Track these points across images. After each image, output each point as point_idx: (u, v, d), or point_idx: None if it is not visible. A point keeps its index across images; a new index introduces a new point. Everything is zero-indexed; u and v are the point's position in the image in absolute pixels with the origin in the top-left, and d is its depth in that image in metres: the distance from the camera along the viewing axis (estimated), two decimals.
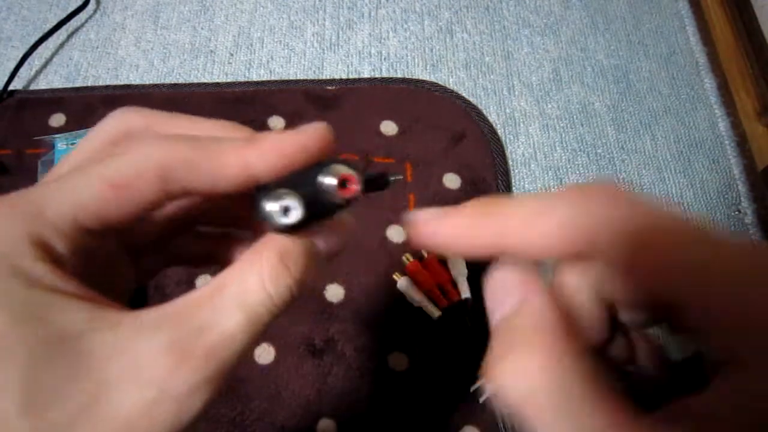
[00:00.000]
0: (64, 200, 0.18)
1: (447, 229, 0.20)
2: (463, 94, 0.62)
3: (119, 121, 0.21)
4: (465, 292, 0.49)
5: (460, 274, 0.49)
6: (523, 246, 0.19)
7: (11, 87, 0.60)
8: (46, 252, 0.17)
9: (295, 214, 0.19)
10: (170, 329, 0.17)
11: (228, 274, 0.18)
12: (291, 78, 0.63)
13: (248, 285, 0.18)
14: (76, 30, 0.66)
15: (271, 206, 0.19)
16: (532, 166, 0.58)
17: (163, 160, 0.18)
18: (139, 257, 0.23)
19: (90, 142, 0.21)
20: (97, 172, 0.18)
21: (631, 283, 0.18)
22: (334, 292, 0.50)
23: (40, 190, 0.18)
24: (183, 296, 0.18)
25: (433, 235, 0.20)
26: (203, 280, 0.50)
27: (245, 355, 0.18)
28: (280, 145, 0.19)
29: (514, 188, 0.57)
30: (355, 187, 0.20)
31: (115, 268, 0.22)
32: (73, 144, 0.55)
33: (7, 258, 0.16)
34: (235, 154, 0.19)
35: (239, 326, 0.17)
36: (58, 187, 0.18)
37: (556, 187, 0.57)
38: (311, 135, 0.20)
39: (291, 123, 0.58)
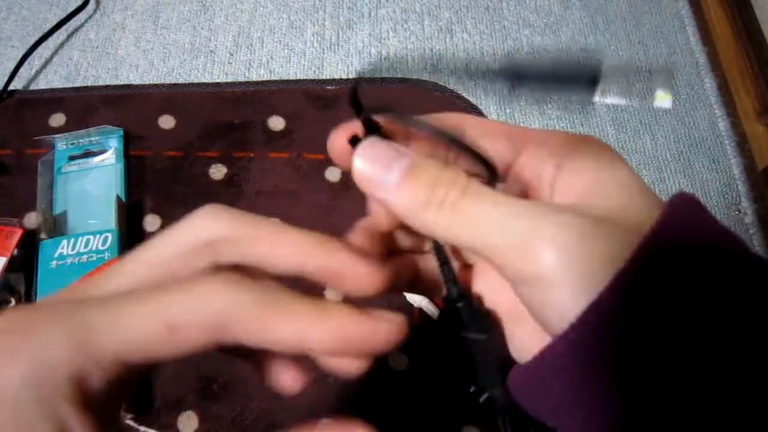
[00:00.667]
0: (113, 335, 0.17)
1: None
2: (463, 94, 0.62)
3: (204, 229, 0.20)
4: None
5: None
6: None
7: (11, 87, 0.60)
8: (80, 388, 0.17)
9: None
10: None
11: None
12: (291, 78, 0.63)
13: None
14: (76, 30, 0.65)
15: None
16: None
17: (224, 313, 0.18)
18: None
19: (168, 244, 0.20)
20: (156, 310, 0.18)
21: None
22: (334, 292, 0.50)
23: (93, 311, 0.18)
24: None
25: None
26: None
27: None
28: (344, 332, 0.19)
29: None
30: None
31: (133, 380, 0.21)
32: (73, 144, 0.55)
33: (39, 391, 0.16)
34: (294, 326, 0.18)
35: None
36: (111, 317, 0.18)
37: None
38: (382, 329, 0.19)
39: (291, 123, 0.58)
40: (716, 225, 0.18)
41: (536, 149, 0.21)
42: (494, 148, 0.21)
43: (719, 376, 0.17)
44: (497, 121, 0.23)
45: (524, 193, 0.22)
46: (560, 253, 0.17)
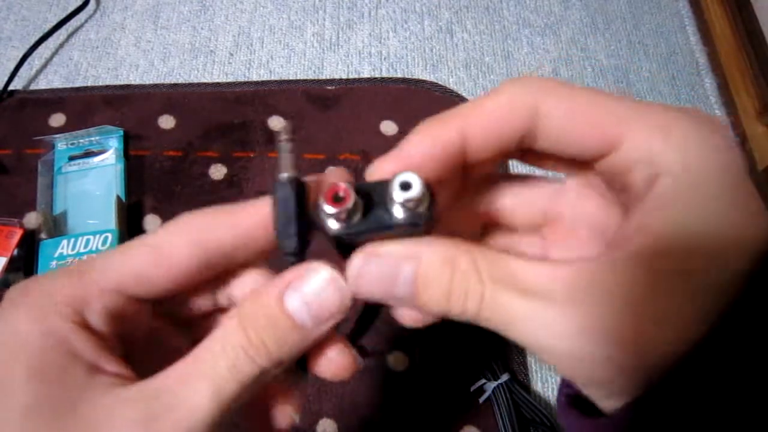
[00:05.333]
0: (110, 268, 0.20)
1: (415, 148, 0.22)
2: (463, 94, 0.62)
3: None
4: None
5: None
6: (484, 128, 0.21)
7: (11, 87, 0.60)
8: (80, 312, 0.19)
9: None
10: (145, 404, 0.18)
11: (203, 345, 0.19)
12: (291, 78, 0.63)
13: (215, 353, 0.19)
14: (76, 30, 0.65)
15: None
16: None
17: (205, 227, 0.20)
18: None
19: None
20: (140, 241, 0.20)
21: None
22: None
23: (91, 258, 0.21)
24: (166, 370, 0.19)
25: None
26: None
27: (224, 420, 0.18)
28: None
29: None
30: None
31: (164, 342, 0.23)
32: (73, 144, 0.55)
33: (43, 318, 0.19)
34: (255, 218, 0.21)
35: (204, 400, 0.18)
36: (107, 257, 0.20)
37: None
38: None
39: (291, 123, 0.58)
40: None
41: (634, 142, 0.19)
42: (584, 145, 0.20)
43: None
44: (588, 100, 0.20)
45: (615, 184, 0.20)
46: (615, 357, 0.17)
